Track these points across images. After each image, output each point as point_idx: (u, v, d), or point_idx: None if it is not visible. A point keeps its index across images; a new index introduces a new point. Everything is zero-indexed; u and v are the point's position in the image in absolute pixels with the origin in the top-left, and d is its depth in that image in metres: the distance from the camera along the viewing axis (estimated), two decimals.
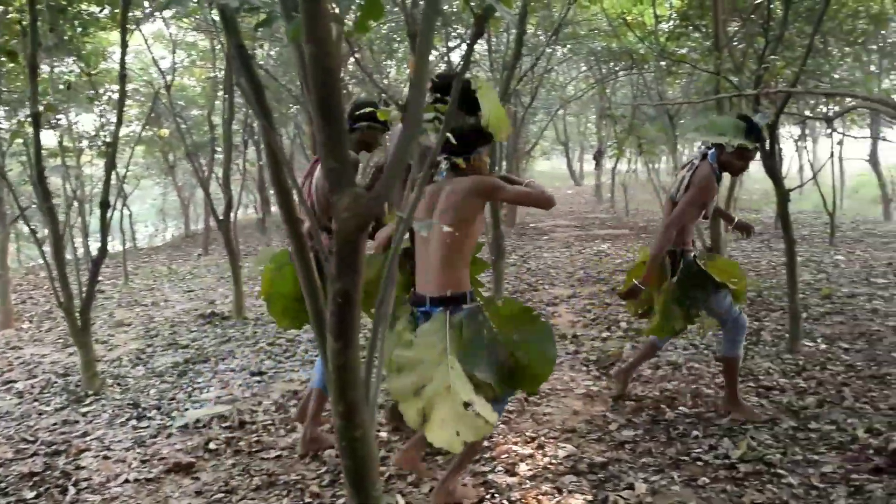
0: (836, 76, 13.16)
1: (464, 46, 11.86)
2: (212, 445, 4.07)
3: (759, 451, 3.60)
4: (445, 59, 9.67)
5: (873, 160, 15.25)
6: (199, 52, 16.10)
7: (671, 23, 10.34)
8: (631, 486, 3.29)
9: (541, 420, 4.20)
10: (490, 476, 3.46)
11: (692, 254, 4.11)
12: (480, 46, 13.97)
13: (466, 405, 2.59)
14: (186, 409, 4.74)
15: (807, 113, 12.92)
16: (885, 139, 14.60)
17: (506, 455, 3.71)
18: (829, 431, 3.92)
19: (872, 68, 14.19)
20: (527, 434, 3.97)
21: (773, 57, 4.85)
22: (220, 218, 7.71)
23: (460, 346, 2.83)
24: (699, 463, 3.55)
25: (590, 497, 3.21)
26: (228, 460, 3.88)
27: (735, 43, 9.22)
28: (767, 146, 4.98)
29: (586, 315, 6.90)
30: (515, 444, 3.85)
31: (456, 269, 2.98)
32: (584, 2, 9.03)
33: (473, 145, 3.11)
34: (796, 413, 4.18)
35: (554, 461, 3.63)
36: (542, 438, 3.90)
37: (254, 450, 4.01)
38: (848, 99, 6.96)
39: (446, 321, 2.88)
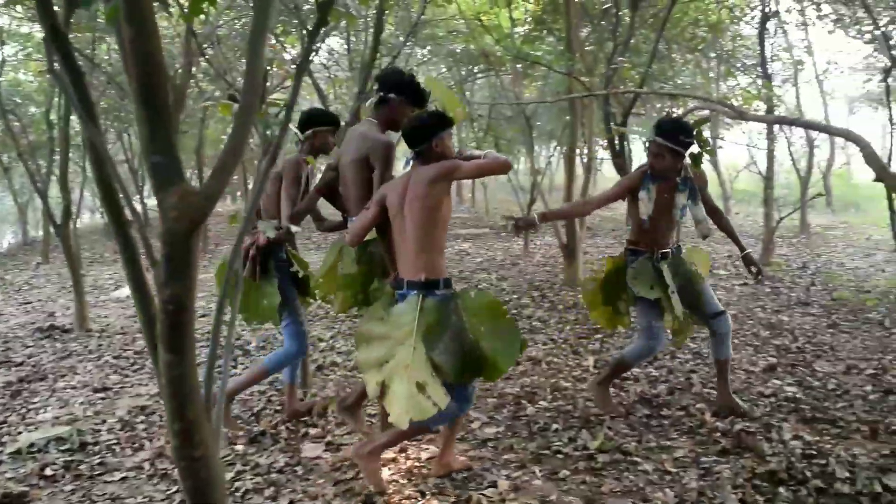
0: (679, 81, 13.94)
1: (331, 41, 11.64)
2: (48, 471, 3.71)
3: (616, 441, 3.70)
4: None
5: (713, 159, 16.28)
6: (36, 45, 14.94)
7: (526, 26, 10.60)
8: (494, 484, 3.28)
9: None
10: (352, 483, 3.36)
11: (647, 254, 4.08)
12: (339, 45, 13.82)
13: (420, 386, 2.79)
14: (19, 433, 4.32)
15: (654, 115, 13.60)
16: (722, 140, 15.62)
17: None
18: (680, 417, 4.09)
19: (711, 74, 15.11)
20: None
21: (620, 59, 5.03)
22: (58, 223, 7.13)
23: (427, 329, 2.99)
24: (559, 456, 3.60)
25: (453, 498, 3.17)
26: (67, 486, 3.56)
27: (587, 47, 9.56)
28: (617, 145, 5.16)
29: None
30: None
31: (429, 255, 3.14)
32: (441, 2, 9.04)
33: (432, 131, 3.23)
34: (649, 401, 4.34)
35: (417, 464, 3.57)
36: (405, 441, 3.83)
37: (96, 473, 3.69)
38: (690, 101, 7.36)
39: (418, 304, 3.05)
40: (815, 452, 3.59)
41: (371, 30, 6.93)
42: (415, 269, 3.13)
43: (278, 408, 4.38)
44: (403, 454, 3.69)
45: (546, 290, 7.83)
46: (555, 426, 3.96)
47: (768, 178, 10.02)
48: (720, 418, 4.03)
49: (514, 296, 7.58)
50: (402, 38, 9.70)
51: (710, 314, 4.05)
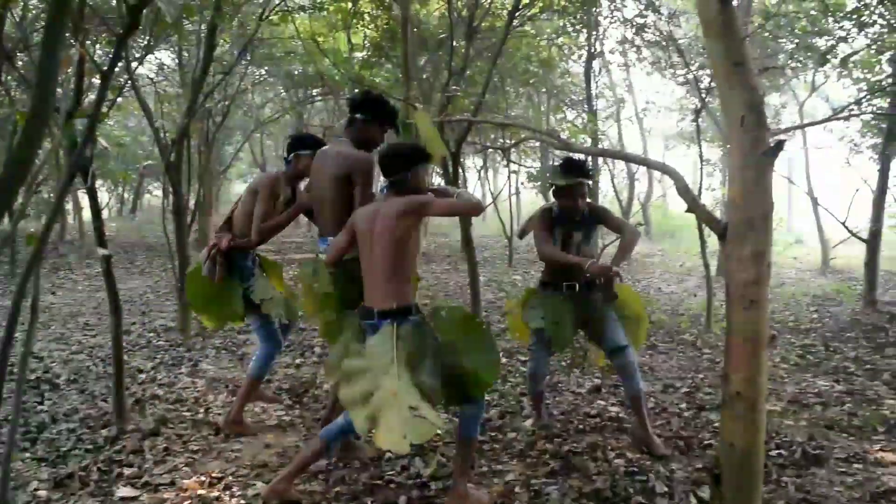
0: (513, 112, 14.51)
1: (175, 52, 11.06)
2: None
3: (449, 467, 3.68)
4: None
5: (543, 187, 17.01)
6: None
7: (365, 51, 10.63)
8: None
9: (229, 458, 3.91)
10: None
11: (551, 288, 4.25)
12: (170, 59, 13.23)
13: (412, 409, 2.70)
14: None
15: (487, 144, 14.02)
16: None
17: (188, 502, 3.36)
18: (511, 440, 4.14)
19: (542, 107, 15.85)
20: (213, 475, 3.65)
21: (455, 88, 5.13)
22: None
23: (408, 356, 2.93)
24: (392, 486, 3.53)
25: None
26: None
27: (424, 75, 9.70)
28: (451, 173, 5.22)
29: None
30: (200, 486, 3.52)
31: (400, 283, 3.09)
32: (277, 21, 8.87)
33: (410, 163, 3.22)
34: (482, 425, 4.37)
35: (243, 501, 3.37)
36: (230, 477, 3.62)
37: None
38: (522, 132, 7.66)
39: (393, 332, 3.00)
40: (637, 469, 3.75)
41: (203, 45, 6.65)
42: (384, 298, 3.08)
43: (89, 447, 4.00)
44: (228, 492, 3.47)
45: None
46: (387, 455, 3.89)
47: None
48: (548, 440, 4.12)
49: None
50: (236, 55, 9.41)
51: (609, 349, 4.09)
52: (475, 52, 8.44)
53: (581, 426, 4.42)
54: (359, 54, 10.68)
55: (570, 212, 4.15)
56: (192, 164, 9.82)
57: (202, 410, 4.65)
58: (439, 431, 2.99)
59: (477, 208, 3.39)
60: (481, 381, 3.10)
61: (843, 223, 8.58)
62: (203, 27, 6.91)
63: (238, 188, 37.93)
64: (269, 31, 12.26)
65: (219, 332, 6.91)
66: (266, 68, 14.74)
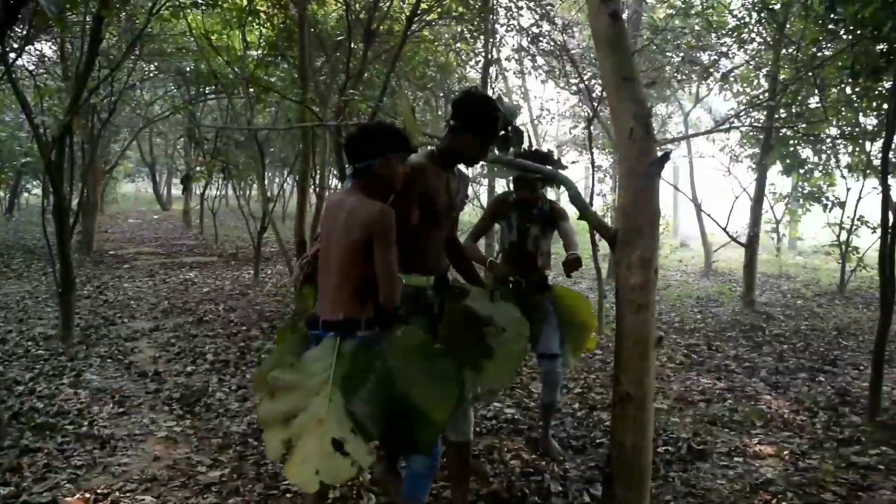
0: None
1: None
2: None
3: None
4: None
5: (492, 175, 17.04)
6: None
7: (260, 50, 10.39)
8: None
9: (116, 472, 3.73)
10: None
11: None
12: (52, 51, 12.54)
13: (336, 443, 2.30)
14: None
15: None
16: None
17: None
18: None
19: (440, 112, 15.90)
20: (98, 490, 3.47)
21: (351, 91, 5.07)
22: None
23: (345, 377, 2.48)
24: (289, 496, 3.46)
25: None
26: None
27: (321, 76, 9.58)
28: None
29: (170, 349, 6.43)
30: (85, 503, 3.34)
31: (352, 292, 2.61)
32: (168, 17, 8.56)
33: (380, 148, 2.64)
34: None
35: None
36: (118, 493, 3.45)
37: None
38: (419, 136, 7.64)
39: (335, 348, 2.54)
40: (532, 470, 3.83)
41: (88, 37, 6.33)
42: (333, 307, 2.61)
43: None
44: None
45: (277, 320, 7.62)
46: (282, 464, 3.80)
47: None
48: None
49: (244, 328, 7.28)
50: (124, 49, 9.03)
51: (540, 353, 4.07)
52: (373, 55, 8.41)
53: (477, 429, 4.46)
54: (254, 53, 10.43)
55: (524, 203, 4.16)
56: (75, 162, 9.32)
57: (86, 423, 4.41)
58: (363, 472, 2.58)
59: (390, 298, 2.62)
60: (430, 422, 2.47)
61: (724, 228, 9.02)
62: (88, 18, 6.57)
63: (126, 188, 36.40)
64: (160, 27, 11.82)
65: (104, 339, 6.60)
66: (156, 64, 14.21)
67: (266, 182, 28.57)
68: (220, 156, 13.13)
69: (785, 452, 4.29)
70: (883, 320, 4.94)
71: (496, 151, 3.18)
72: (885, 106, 8.49)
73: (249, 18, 8.95)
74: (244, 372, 5.73)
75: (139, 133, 18.89)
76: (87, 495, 3.41)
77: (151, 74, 15.29)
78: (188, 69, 13.35)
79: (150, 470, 3.75)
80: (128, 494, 3.44)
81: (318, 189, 10.12)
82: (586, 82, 9.25)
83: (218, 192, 19.08)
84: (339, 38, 8.41)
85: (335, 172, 11.12)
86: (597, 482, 3.64)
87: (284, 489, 3.52)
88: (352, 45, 6.75)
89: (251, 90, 9.14)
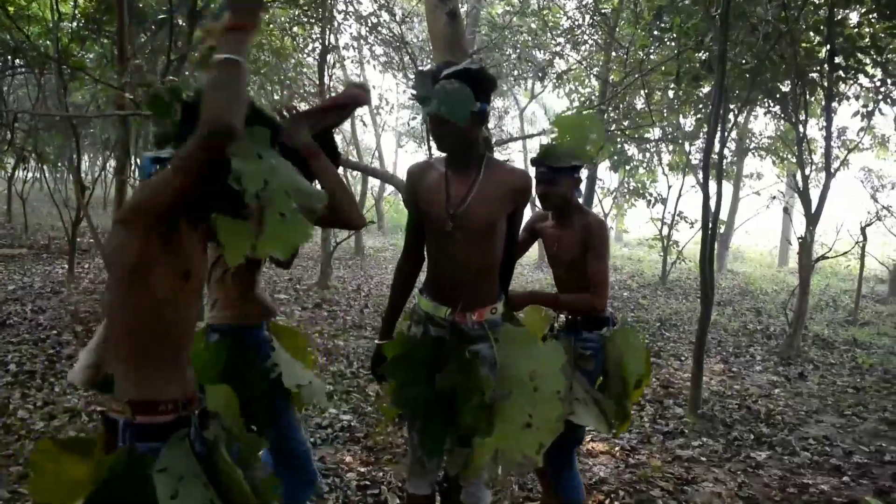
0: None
1: None
2: None
3: None
4: None
5: None
6: None
7: (75, 23, 9.49)
8: None
9: None
10: None
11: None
12: None
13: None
14: None
15: None
16: None
17: None
18: None
19: (275, 96, 15.34)
20: None
21: (171, 78, 4.66)
22: None
23: None
24: None
25: None
26: None
27: (146, 53, 8.92)
28: None
29: None
30: None
31: (139, 366, 1.71)
32: None
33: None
34: None
35: None
36: None
37: None
38: None
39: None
40: (369, 483, 3.67)
41: None
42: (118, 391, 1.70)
43: None
44: None
45: (93, 322, 6.98)
46: None
47: None
48: None
49: (54, 332, 6.59)
50: None
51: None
52: (200, 37, 7.87)
53: (312, 439, 4.25)
54: (67, 25, 9.53)
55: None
56: None
57: None
58: None
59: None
60: None
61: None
62: None
63: None
64: None
65: None
66: None
67: (87, 164, 26.59)
68: (28, 139, 11.97)
69: (616, 449, 4.41)
70: (703, 318, 5.20)
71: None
72: (703, 110, 9.09)
73: None
74: (52, 384, 5.15)
75: None
76: None
77: None
78: None
79: None
80: None
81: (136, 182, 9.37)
82: None
83: (32, 175, 17.31)
84: (162, 17, 7.80)
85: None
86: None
87: None
88: (172, 24, 6.25)
89: (65, 66, 8.30)
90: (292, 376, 2.57)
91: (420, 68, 2.37)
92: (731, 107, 7.36)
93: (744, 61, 6.52)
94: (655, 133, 11.85)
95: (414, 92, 2.42)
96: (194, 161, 1.48)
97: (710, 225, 5.11)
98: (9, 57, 12.27)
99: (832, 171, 7.29)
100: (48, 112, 10.77)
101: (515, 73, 12.29)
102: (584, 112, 3.52)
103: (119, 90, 5.57)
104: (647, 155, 13.06)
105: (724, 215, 13.88)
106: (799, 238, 7.39)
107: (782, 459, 4.51)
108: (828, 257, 7.93)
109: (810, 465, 4.45)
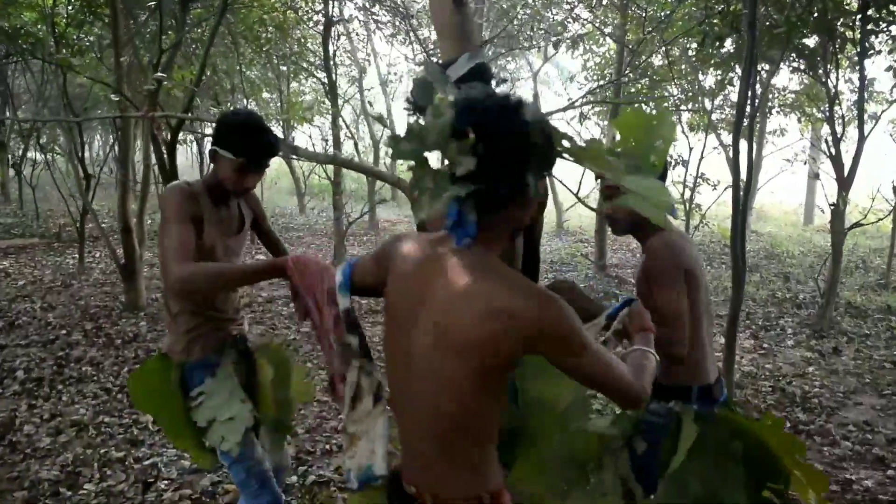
0: (252, 74, 13.76)
1: None
2: None
3: None
4: None
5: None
6: None
7: (70, 6, 9.21)
8: None
9: None
10: None
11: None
12: None
13: None
14: None
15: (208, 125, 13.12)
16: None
17: None
18: None
19: (283, 68, 15.01)
20: None
21: (159, 75, 4.38)
22: None
23: None
24: None
25: None
26: None
27: (147, 34, 8.66)
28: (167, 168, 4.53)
29: None
30: None
31: None
32: None
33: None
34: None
35: None
36: None
37: None
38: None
39: None
40: None
41: None
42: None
43: None
44: None
45: (103, 319, 6.82)
46: None
47: (336, 185, 10.23)
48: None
49: (63, 331, 6.42)
50: None
51: None
52: (195, 21, 7.60)
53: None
54: (62, 9, 9.26)
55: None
56: None
57: None
58: None
59: None
60: None
61: (576, 194, 8.96)
62: None
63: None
64: None
65: None
66: None
67: (99, 142, 26.38)
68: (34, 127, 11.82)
69: None
70: (734, 303, 4.87)
71: None
72: (724, 68, 8.68)
73: None
74: (60, 393, 5.00)
75: None
76: None
77: None
78: None
79: None
80: None
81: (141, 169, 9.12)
82: (431, 52, 8.88)
83: (43, 158, 17.01)
84: (152, 3, 7.49)
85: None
86: None
87: None
88: (162, 12, 5.94)
89: (58, 54, 8.03)
90: (210, 409, 2.41)
91: (415, 76, 2.15)
92: (759, 68, 7.01)
93: (769, 23, 6.14)
94: (673, 91, 11.44)
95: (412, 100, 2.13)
96: None
97: (742, 209, 4.56)
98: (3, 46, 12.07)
99: (865, 134, 6.90)
100: (47, 117, 10.53)
101: (528, 35, 11.87)
102: (656, 108, 3.02)
103: (115, 90, 5.32)
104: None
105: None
106: (831, 205, 7.04)
107: (822, 451, 4.28)
108: (862, 224, 7.54)
109: (852, 456, 4.22)
